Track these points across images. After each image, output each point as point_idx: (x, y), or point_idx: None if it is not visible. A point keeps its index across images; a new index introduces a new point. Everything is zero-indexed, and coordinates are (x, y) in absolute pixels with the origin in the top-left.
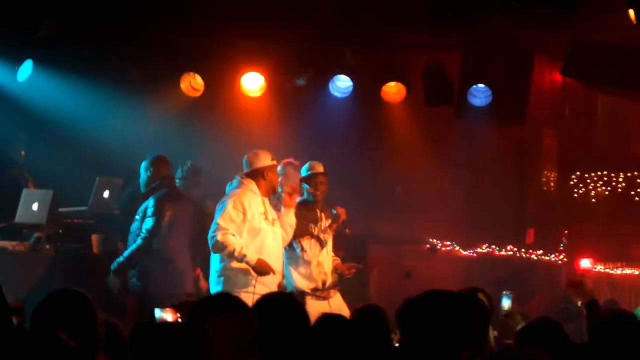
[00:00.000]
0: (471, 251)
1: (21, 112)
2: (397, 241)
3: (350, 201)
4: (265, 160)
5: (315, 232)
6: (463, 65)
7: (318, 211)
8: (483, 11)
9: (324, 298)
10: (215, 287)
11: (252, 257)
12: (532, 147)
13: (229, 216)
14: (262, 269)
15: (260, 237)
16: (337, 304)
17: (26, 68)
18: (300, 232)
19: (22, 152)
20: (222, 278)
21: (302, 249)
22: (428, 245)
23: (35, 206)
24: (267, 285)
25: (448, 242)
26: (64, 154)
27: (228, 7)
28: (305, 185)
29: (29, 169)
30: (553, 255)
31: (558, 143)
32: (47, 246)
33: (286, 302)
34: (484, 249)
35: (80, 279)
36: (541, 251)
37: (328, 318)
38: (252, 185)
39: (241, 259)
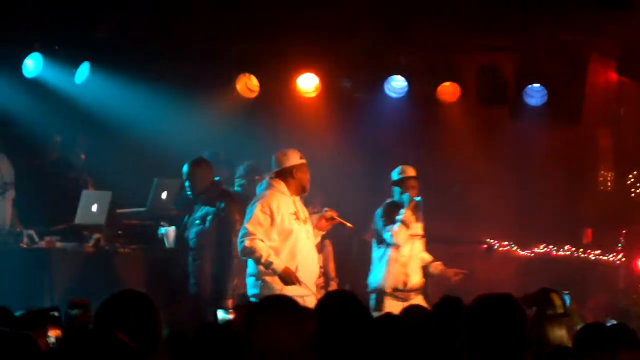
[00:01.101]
0: (529, 251)
1: (79, 113)
2: (454, 242)
3: None
4: (294, 159)
5: None
6: (518, 65)
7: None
8: (537, 12)
9: (403, 299)
10: (252, 289)
11: (278, 265)
12: (588, 147)
13: (257, 220)
14: (287, 277)
15: (292, 238)
16: None
17: (84, 70)
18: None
19: (82, 156)
20: (259, 281)
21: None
22: (485, 246)
23: (94, 207)
24: (304, 286)
25: (505, 242)
26: (121, 155)
27: (283, 8)
28: (396, 189)
29: (88, 171)
30: (611, 255)
31: (614, 142)
32: (107, 247)
33: (348, 302)
34: (541, 249)
35: (140, 279)
36: (599, 251)
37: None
38: (281, 185)
39: (268, 265)
